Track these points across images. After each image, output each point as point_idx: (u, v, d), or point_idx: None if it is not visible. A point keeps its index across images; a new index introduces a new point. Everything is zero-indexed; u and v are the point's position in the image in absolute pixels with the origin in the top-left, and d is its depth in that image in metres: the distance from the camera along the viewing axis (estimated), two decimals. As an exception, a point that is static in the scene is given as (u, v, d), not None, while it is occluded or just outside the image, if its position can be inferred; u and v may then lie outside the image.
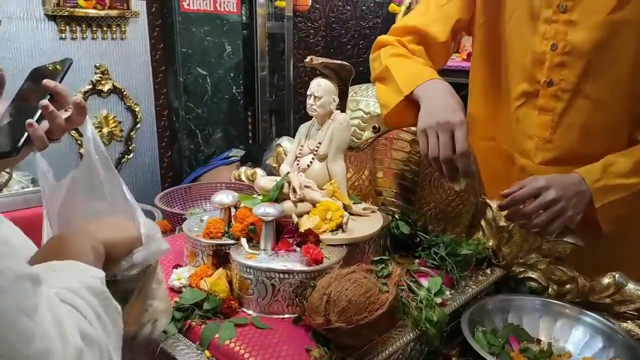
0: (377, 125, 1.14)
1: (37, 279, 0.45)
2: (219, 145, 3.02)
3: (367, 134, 1.15)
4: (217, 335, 0.81)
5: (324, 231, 0.96)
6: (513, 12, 1.14)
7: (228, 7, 2.97)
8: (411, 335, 0.88)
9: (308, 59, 1.00)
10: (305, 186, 1.01)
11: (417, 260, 1.06)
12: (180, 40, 2.81)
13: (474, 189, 1.12)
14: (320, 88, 1.03)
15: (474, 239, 1.11)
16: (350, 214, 1.04)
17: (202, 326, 0.83)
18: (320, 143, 1.04)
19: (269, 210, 0.89)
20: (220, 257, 0.93)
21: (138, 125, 2.82)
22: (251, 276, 0.86)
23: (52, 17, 2.43)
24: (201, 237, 0.95)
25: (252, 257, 0.88)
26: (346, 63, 1.04)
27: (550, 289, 1.06)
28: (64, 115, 0.72)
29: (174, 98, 2.90)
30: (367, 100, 1.17)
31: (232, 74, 3.03)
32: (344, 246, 0.95)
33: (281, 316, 0.87)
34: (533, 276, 1.07)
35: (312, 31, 3.31)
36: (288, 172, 1.03)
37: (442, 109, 0.99)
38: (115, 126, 2.74)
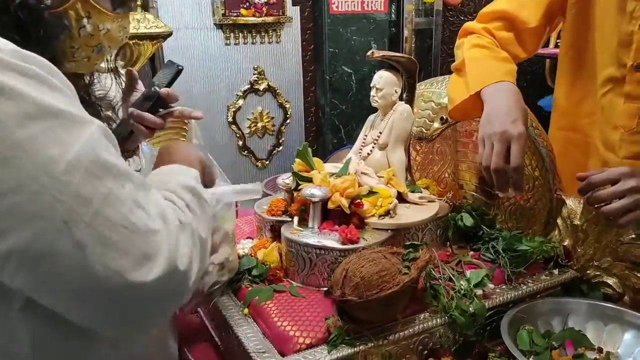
0: (444, 117, 1.14)
1: (147, 185, 0.60)
2: (361, 140, 3.15)
3: (436, 125, 1.16)
4: (257, 297, 0.93)
5: (372, 215, 1.02)
6: None
7: (375, 7, 3.08)
8: (438, 320, 0.89)
9: (369, 52, 1.06)
10: (363, 172, 1.07)
11: (471, 253, 1.04)
12: (328, 40, 3.01)
13: (548, 183, 1.06)
14: (382, 80, 1.08)
15: (545, 238, 1.04)
16: (406, 202, 1.07)
17: (249, 288, 0.97)
18: (381, 133, 1.10)
19: (314, 192, 0.98)
20: (277, 232, 1.05)
21: (288, 121, 3.10)
22: (293, 250, 0.97)
23: (219, 26, 2.83)
24: (264, 213, 1.09)
25: (296, 233, 0.98)
26: (408, 56, 1.07)
27: (626, 297, 0.95)
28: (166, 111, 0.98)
29: (321, 95, 3.12)
30: (440, 91, 1.17)
31: (377, 71, 3.12)
32: (388, 231, 1.00)
33: (317, 288, 0.96)
34: (608, 282, 0.98)
35: (464, 24, 3.23)
36: (350, 158, 1.10)
37: (503, 118, 0.96)
38: (268, 121, 3.06)
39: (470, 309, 0.90)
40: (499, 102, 0.99)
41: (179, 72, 1.00)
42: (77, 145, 0.52)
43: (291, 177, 1.07)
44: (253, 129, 3.02)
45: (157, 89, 0.96)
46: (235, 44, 2.88)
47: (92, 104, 0.86)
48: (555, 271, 1.02)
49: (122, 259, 0.52)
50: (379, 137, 1.10)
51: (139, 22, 2.32)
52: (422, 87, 1.23)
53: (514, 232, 1.05)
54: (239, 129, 2.98)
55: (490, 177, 0.96)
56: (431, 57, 3.21)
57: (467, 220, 1.09)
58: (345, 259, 0.89)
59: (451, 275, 0.95)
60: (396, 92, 1.08)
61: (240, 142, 3.00)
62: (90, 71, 0.86)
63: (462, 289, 0.92)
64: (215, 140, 2.92)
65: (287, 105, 3.08)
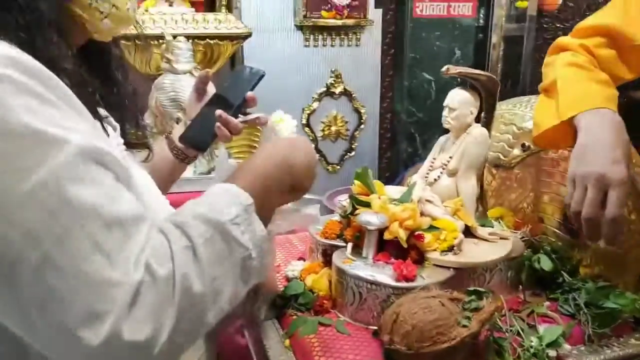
0: (526, 143, 1.01)
1: (135, 220, 0.49)
2: (437, 150, 3.01)
3: (516, 152, 1.03)
4: (300, 328, 0.87)
5: (434, 250, 0.92)
6: None
7: (463, 11, 2.92)
8: (500, 382, 0.78)
9: (444, 68, 0.96)
10: (427, 200, 0.97)
11: (547, 303, 0.92)
12: (410, 45, 2.89)
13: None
14: (456, 99, 0.98)
15: (638, 294, 0.89)
16: (475, 237, 0.96)
17: (294, 317, 0.91)
18: (451, 157, 0.99)
19: (371, 219, 0.90)
20: (329, 257, 0.98)
21: (362, 126, 3.02)
22: (343, 281, 0.89)
23: (299, 28, 2.80)
24: (318, 235, 1.02)
25: (348, 262, 0.91)
26: (489, 74, 0.96)
27: None
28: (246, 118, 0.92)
29: (398, 101, 3.01)
30: (524, 114, 1.04)
31: (459, 80, 2.96)
32: (450, 269, 0.90)
33: (366, 326, 0.88)
34: None
35: (560, 32, 2.98)
36: (414, 183, 1.01)
37: (602, 155, 0.82)
38: (342, 125, 2.99)
39: (540, 371, 0.78)
40: (597, 134, 0.85)
41: (261, 77, 0.95)
42: (38, 174, 0.45)
43: (348, 200, 1.00)
44: (326, 133, 2.97)
45: (245, 92, 0.92)
46: (315, 46, 2.84)
47: (115, 105, 0.77)
48: (650, 335, 0.87)
49: (65, 314, 0.44)
50: (448, 161, 1.00)
51: (220, 23, 2.34)
52: (503, 108, 1.10)
53: (601, 284, 0.91)
54: (312, 131, 2.94)
55: (579, 223, 0.83)
56: (520, 67, 2.99)
57: (545, 264, 0.96)
58: (398, 300, 0.80)
59: (520, 330, 0.83)
60: (472, 113, 0.98)
61: (313, 145, 2.96)
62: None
63: (531, 347, 0.81)
64: (287, 141, 2.90)
65: (362, 110, 3.00)
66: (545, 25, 3.00)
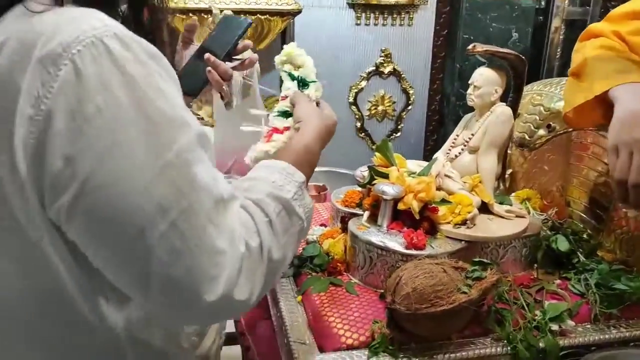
0: (552, 124, 1.01)
1: (227, 198, 0.56)
2: (485, 135, 2.96)
3: (541, 133, 1.03)
4: (312, 286, 0.93)
5: (447, 222, 0.94)
6: None
7: (522, -8, 2.82)
8: (498, 349, 0.81)
9: (470, 46, 0.97)
10: (446, 175, 0.99)
11: (558, 281, 0.92)
12: (464, 26, 2.83)
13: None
14: (482, 77, 0.98)
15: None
16: (491, 213, 0.98)
17: (308, 276, 0.96)
18: (473, 134, 1.00)
19: (386, 189, 0.94)
20: (347, 224, 1.02)
21: (409, 107, 3.01)
22: (356, 245, 0.94)
23: (351, 5, 2.80)
24: (338, 203, 1.06)
25: (362, 228, 0.95)
26: (516, 53, 0.96)
27: None
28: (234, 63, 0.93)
29: (448, 84, 2.97)
30: (553, 95, 1.04)
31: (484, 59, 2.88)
32: (462, 242, 0.92)
33: (375, 289, 0.92)
34: None
35: (626, 17, 2.84)
36: (436, 158, 1.03)
37: None
38: (389, 106, 2.99)
39: (540, 344, 0.80)
40: (636, 104, 0.84)
41: (249, 25, 0.95)
42: (170, 153, 0.51)
43: (367, 170, 1.03)
44: (373, 112, 2.98)
45: (232, 40, 0.93)
46: (366, 24, 2.84)
47: None
48: (659, 320, 0.86)
49: (184, 275, 0.51)
50: (470, 139, 1.01)
51: (272, -2, 2.39)
52: (533, 88, 1.10)
53: (615, 267, 0.91)
54: (358, 110, 2.96)
55: (624, 192, 0.82)
56: (580, 52, 2.87)
57: (562, 244, 0.96)
58: (403, 265, 0.84)
59: (525, 303, 0.85)
60: (496, 91, 0.98)
61: (359, 124, 2.99)
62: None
63: (534, 320, 0.82)
64: (334, 119, 2.94)
65: (411, 91, 2.98)
66: (611, 9, 2.85)
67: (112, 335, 0.59)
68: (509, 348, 0.80)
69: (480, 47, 0.95)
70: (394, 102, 2.99)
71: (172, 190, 0.51)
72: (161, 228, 0.50)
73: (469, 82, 1.00)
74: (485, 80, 0.97)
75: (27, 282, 0.56)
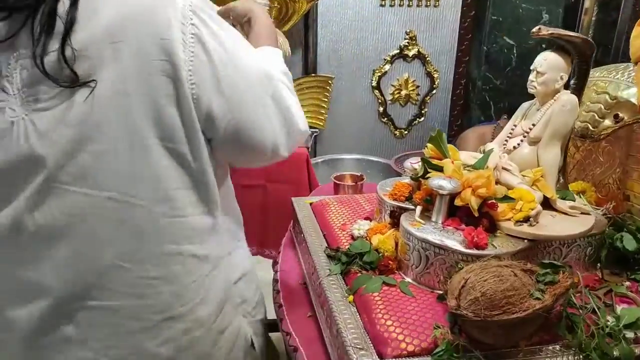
0: (620, 114, 0.94)
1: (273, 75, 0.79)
2: (512, 121, 2.87)
3: (607, 123, 0.96)
4: (364, 286, 0.87)
5: (507, 219, 0.88)
6: None
7: (554, -28, 2.71)
8: (569, 357, 0.75)
9: (535, 28, 0.90)
10: (504, 168, 0.93)
11: (627, 283, 0.86)
12: (493, 7, 2.73)
13: None
14: (545, 63, 0.91)
15: None
16: (553, 209, 0.91)
17: (358, 274, 0.91)
18: (534, 124, 0.94)
19: (443, 184, 0.88)
20: (396, 219, 0.97)
21: (434, 91, 2.93)
22: (410, 242, 0.88)
23: (376, -14, 2.71)
24: (386, 196, 1.01)
25: (416, 225, 0.89)
26: (584, 36, 0.88)
27: None
28: None
29: (474, 67, 2.88)
30: (619, 82, 0.96)
31: (544, 46, 2.78)
32: (525, 241, 0.86)
33: (431, 289, 0.87)
34: None
35: (663, -2, 2.72)
36: (491, 150, 0.97)
37: None
38: (413, 90, 2.91)
39: (615, 352, 0.74)
40: None
41: None
42: (263, 63, 0.78)
43: (420, 163, 0.97)
44: (396, 96, 2.90)
45: None
46: (391, 5, 2.75)
47: None
48: None
49: (294, 121, 0.80)
50: (531, 129, 0.94)
51: (295, -20, 2.31)
52: (596, 75, 1.02)
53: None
54: (381, 94, 2.88)
55: None
56: (614, 35, 2.76)
57: (629, 243, 0.90)
58: (467, 266, 0.78)
59: (596, 307, 0.79)
60: (561, 78, 0.91)
61: (381, 109, 2.91)
62: None
63: (607, 327, 0.77)
64: (356, 103, 2.87)
65: (436, 75, 2.90)
66: (646, -10, 2.74)
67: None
68: (581, 356, 0.75)
69: (545, 30, 0.88)
70: (418, 87, 2.92)
71: (269, 81, 0.78)
72: (270, 94, 0.77)
73: (531, 67, 0.93)
74: (549, 66, 0.90)
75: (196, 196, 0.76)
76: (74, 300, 0.71)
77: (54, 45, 0.62)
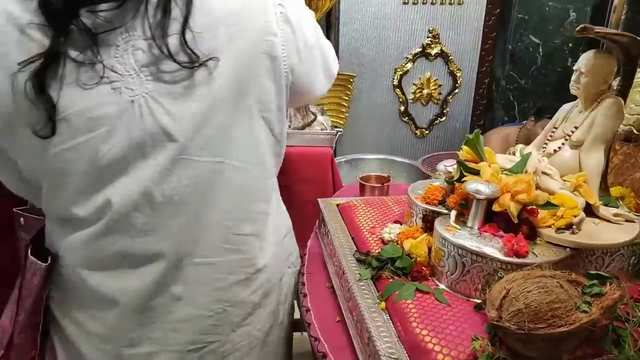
0: (667, 117, 0.89)
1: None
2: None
3: (653, 126, 0.92)
4: (397, 292, 0.84)
5: (548, 226, 0.85)
6: None
7: (582, -31, 2.64)
8: (616, 375, 0.71)
9: (580, 27, 0.86)
10: (544, 172, 0.89)
11: (675, 296, 0.82)
12: (518, 5, 2.68)
13: None
14: (590, 64, 0.87)
15: None
16: (596, 216, 0.88)
17: (390, 280, 0.88)
18: (576, 127, 0.90)
19: (481, 188, 0.84)
20: (429, 223, 0.94)
21: (456, 90, 2.88)
22: (445, 248, 0.85)
23: (399, -17, 2.67)
24: (418, 200, 0.97)
25: (452, 230, 0.86)
26: (632, 35, 0.84)
27: None
28: None
29: (498, 66, 2.83)
30: (667, 84, 0.92)
31: (570, 45, 2.72)
32: (567, 249, 0.82)
33: (467, 298, 0.83)
34: None
35: (695, -4, 2.64)
36: (530, 153, 0.93)
37: None
38: (435, 89, 2.87)
39: (662, 369, 0.71)
40: None
41: None
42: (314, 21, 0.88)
43: (455, 166, 0.94)
44: (417, 95, 2.86)
45: None
46: (414, 3, 2.71)
47: None
48: None
49: (333, 64, 0.94)
50: (572, 132, 0.90)
51: (319, -24, 2.28)
52: (639, 76, 0.98)
53: None
54: (403, 93, 2.84)
55: None
56: (643, 34, 2.68)
57: (675, 253, 0.86)
58: (508, 275, 0.75)
59: (643, 322, 0.75)
60: (606, 81, 0.87)
61: (402, 108, 2.87)
62: None
63: (654, 341, 0.73)
64: (377, 102, 2.83)
65: (458, 74, 2.85)
66: (678, -12, 2.65)
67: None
68: (628, 373, 0.71)
69: (590, 29, 0.84)
70: (440, 86, 2.87)
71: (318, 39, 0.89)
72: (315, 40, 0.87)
73: (574, 68, 0.89)
74: (593, 67, 0.86)
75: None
76: (182, 260, 0.79)
77: (173, 28, 0.68)
